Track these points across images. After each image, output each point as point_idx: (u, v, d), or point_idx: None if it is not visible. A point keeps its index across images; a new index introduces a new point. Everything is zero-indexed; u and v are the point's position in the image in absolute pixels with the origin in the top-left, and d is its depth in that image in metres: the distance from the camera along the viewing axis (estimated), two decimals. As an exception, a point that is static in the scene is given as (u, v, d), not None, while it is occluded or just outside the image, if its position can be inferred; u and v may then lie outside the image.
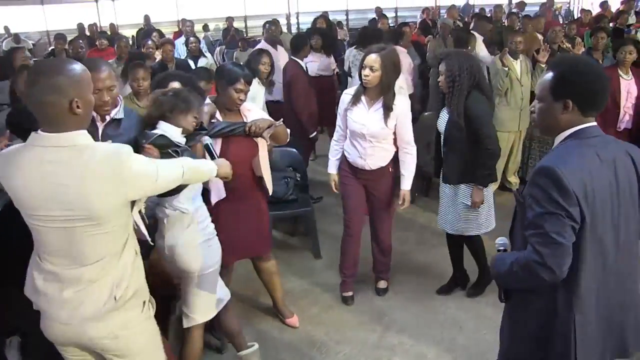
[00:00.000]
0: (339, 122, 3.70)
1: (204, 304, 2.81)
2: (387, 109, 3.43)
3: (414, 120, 5.65)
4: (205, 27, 12.98)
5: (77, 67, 1.87)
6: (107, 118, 2.68)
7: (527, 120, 5.33)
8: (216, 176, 2.44)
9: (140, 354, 2.15)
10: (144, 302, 2.15)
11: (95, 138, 2.49)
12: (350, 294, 3.95)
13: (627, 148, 1.94)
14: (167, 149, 2.48)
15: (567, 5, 16.41)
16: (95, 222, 1.86)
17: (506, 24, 7.82)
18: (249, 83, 3.13)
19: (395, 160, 3.66)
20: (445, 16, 9.36)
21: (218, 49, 10.97)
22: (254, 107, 3.34)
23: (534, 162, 5.65)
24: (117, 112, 2.72)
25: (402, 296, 3.98)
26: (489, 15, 8.88)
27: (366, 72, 3.36)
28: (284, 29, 11.87)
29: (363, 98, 3.50)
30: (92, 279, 1.94)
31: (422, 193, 5.72)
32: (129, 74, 4.00)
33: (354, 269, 3.94)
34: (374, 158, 3.57)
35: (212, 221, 2.91)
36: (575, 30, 7.57)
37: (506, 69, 5.02)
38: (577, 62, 1.94)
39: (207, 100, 3.14)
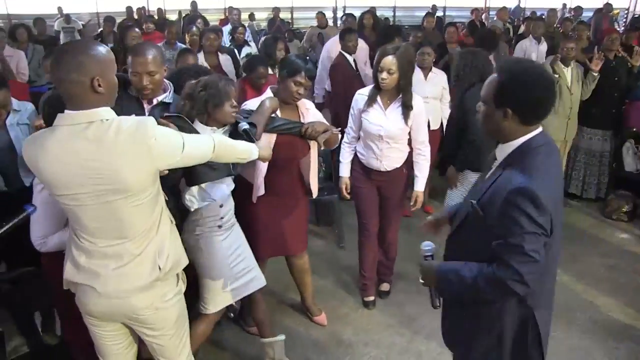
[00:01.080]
0: (350, 123, 3.61)
1: (213, 297, 2.80)
2: (407, 107, 3.37)
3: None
4: (251, 16, 12.98)
5: (101, 47, 1.92)
6: (155, 101, 2.68)
7: (574, 130, 5.18)
8: (258, 158, 2.46)
9: (170, 328, 2.22)
10: (178, 275, 2.22)
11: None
12: (371, 298, 3.90)
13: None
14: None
15: (625, 12, 15.82)
16: (128, 193, 1.91)
17: (560, 29, 7.59)
18: (310, 78, 3.07)
19: (408, 162, 3.63)
20: (495, 18, 9.16)
21: (263, 38, 10.97)
22: (312, 106, 3.28)
23: (578, 174, 5.50)
24: (167, 97, 2.73)
25: (443, 304, 3.89)
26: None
27: (384, 75, 3.28)
28: (330, 23, 11.81)
29: (378, 99, 3.42)
30: (135, 252, 2.01)
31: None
32: (178, 60, 4.01)
33: (373, 272, 3.90)
34: (390, 159, 3.52)
35: (253, 216, 2.96)
36: (635, 38, 7.26)
37: (557, 76, 4.86)
38: (523, 71, 1.85)
39: (269, 93, 3.08)
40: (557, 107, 4.98)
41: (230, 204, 2.83)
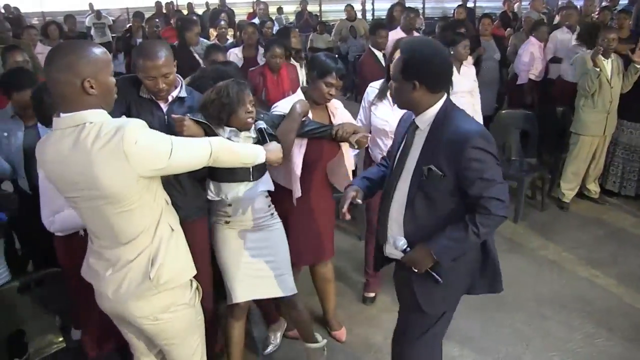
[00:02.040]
0: (360, 116, 3.55)
1: (229, 288, 2.79)
2: None
3: (490, 119, 5.41)
4: (280, 10, 12.96)
5: (96, 49, 1.88)
6: (170, 98, 2.63)
7: (613, 124, 4.95)
8: (266, 160, 2.36)
9: (176, 338, 2.19)
10: (190, 286, 2.18)
11: (158, 117, 2.57)
12: (372, 295, 3.86)
13: None
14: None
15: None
16: (110, 200, 1.87)
17: (598, 19, 7.28)
18: (341, 78, 2.97)
19: None
20: (529, 8, 8.88)
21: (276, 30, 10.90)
22: (341, 105, 3.21)
23: (616, 170, 5.27)
24: (180, 92, 2.67)
25: (468, 304, 3.69)
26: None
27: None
28: (359, 15, 11.66)
29: (388, 93, 3.34)
30: (129, 258, 1.99)
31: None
32: (206, 57, 3.96)
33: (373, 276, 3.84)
34: None
35: (289, 223, 2.94)
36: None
37: (597, 69, 4.65)
38: (420, 47, 2.10)
39: (300, 94, 3.03)
40: (596, 100, 4.78)
41: (245, 205, 2.73)
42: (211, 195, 2.70)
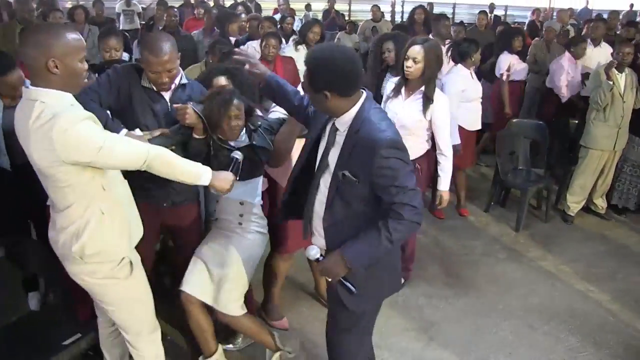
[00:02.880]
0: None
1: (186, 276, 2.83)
2: (428, 99, 3.44)
3: (486, 125, 5.39)
4: (308, 7, 12.97)
5: (70, 34, 2.01)
6: (172, 87, 2.68)
7: (624, 139, 4.87)
8: (209, 185, 2.35)
9: (108, 305, 2.35)
10: (120, 262, 2.27)
11: (161, 105, 2.66)
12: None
13: None
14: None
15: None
16: (40, 172, 2.05)
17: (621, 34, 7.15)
18: None
19: (426, 159, 3.69)
20: (555, 19, 8.78)
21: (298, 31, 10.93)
22: None
23: (622, 186, 5.18)
24: (181, 79, 2.74)
25: (456, 308, 3.78)
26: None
27: (409, 63, 3.40)
28: (387, 17, 11.62)
29: (403, 89, 3.53)
30: (62, 225, 2.16)
31: (498, 203, 5.40)
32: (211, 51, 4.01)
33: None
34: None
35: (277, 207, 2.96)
36: None
37: (611, 82, 4.58)
38: (320, 55, 2.06)
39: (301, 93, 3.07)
40: (607, 114, 4.71)
41: (221, 205, 2.84)
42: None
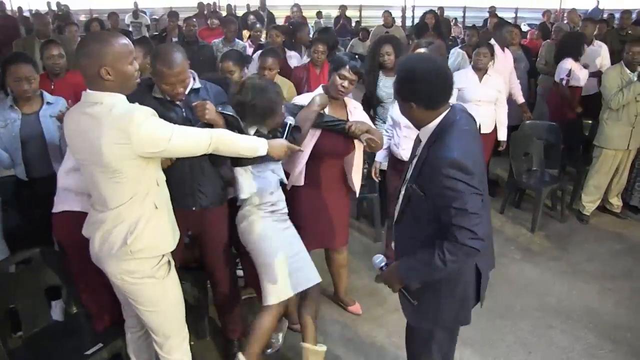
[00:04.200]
0: (390, 112, 3.91)
1: (271, 287, 2.86)
2: None
3: (515, 128, 5.40)
4: (319, 14, 13.11)
5: (117, 40, 2.14)
6: (183, 97, 2.75)
7: (639, 138, 4.87)
8: (267, 154, 2.54)
9: (144, 304, 2.41)
10: (160, 261, 2.38)
11: (176, 113, 2.73)
12: None
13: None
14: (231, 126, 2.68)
15: None
16: (106, 169, 2.14)
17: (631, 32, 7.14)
18: (356, 73, 3.12)
19: None
20: (566, 21, 8.79)
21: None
22: (360, 107, 3.41)
23: (640, 185, 5.19)
24: (194, 84, 2.81)
25: (474, 309, 3.80)
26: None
27: None
28: (398, 22, 11.69)
29: None
30: (114, 223, 2.25)
31: (513, 204, 5.43)
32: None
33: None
34: (406, 150, 3.59)
35: (296, 208, 3.09)
36: None
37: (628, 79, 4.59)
38: (416, 66, 2.07)
39: (320, 90, 3.21)
40: (621, 114, 4.73)
41: (281, 194, 2.96)
42: (246, 190, 2.83)
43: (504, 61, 5.42)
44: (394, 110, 3.79)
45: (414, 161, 2.19)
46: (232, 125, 2.70)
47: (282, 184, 3.00)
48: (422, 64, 2.07)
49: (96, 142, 2.08)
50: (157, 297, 2.42)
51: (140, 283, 2.34)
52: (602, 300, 3.89)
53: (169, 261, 2.43)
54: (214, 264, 3.07)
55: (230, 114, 2.72)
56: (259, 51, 5.83)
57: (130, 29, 10.09)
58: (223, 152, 2.41)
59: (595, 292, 3.99)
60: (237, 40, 6.65)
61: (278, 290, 2.86)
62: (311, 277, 2.97)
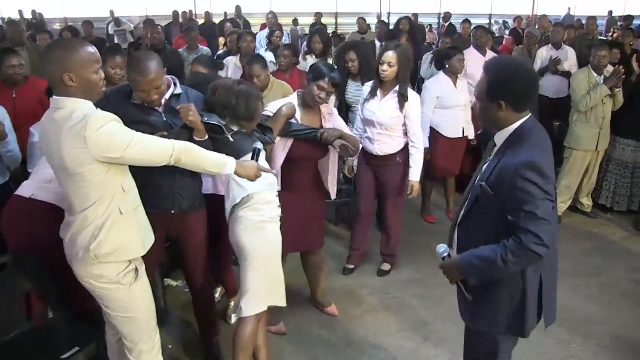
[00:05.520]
0: (359, 111, 4.07)
1: (252, 295, 2.82)
2: (403, 97, 3.77)
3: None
4: (295, 22, 13.15)
5: (85, 48, 2.18)
6: (164, 101, 2.76)
7: (607, 140, 5.04)
8: (235, 172, 2.53)
9: (112, 309, 2.45)
10: (127, 267, 2.39)
11: (158, 119, 2.74)
12: (351, 267, 4.34)
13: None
14: (215, 133, 2.72)
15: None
16: (69, 173, 2.18)
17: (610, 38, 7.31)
18: (334, 85, 3.19)
19: (405, 152, 3.96)
20: (537, 26, 8.99)
21: (305, 43, 11.09)
22: (335, 112, 3.47)
23: (609, 185, 5.34)
24: (175, 90, 2.81)
25: (448, 308, 3.82)
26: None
27: (384, 67, 3.73)
28: (373, 29, 11.79)
29: (378, 91, 3.87)
30: (78, 228, 2.29)
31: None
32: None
33: (360, 245, 4.31)
34: (381, 144, 3.93)
35: None
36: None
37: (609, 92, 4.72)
38: (508, 66, 2.13)
39: (295, 97, 3.28)
40: (589, 117, 4.87)
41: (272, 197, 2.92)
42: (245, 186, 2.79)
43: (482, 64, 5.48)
44: (364, 110, 3.95)
45: (487, 164, 2.18)
46: (215, 132, 2.72)
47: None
48: (517, 64, 2.12)
49: (58, 147, 2.13)
50: (125, 303, 2.43)
51: (107, 288, 2.37)
52: (574, 296, 3.98)
53: (136, 268, 2.43)
54: (193, 268, 3.09)
55: (215, 123, 2.72)
56: (230, 57, 5.92)
57: (115, 38, 10.03)
58: (187, 166, 2.41)
59: (566, 289, 4.06)
60: (201, 47, 6.69)
61: (258, 301, 2.83)
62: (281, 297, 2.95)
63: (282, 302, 2.94)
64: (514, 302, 2.18)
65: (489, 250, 2.05)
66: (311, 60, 5.78)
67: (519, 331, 2.25)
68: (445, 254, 2.27)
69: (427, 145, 4.78)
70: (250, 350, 2.88)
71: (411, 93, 3.82)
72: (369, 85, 3.97)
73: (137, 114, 2.69)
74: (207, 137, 2.71)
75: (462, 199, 2.33)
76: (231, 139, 2.75)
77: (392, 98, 3.81)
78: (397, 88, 3.78)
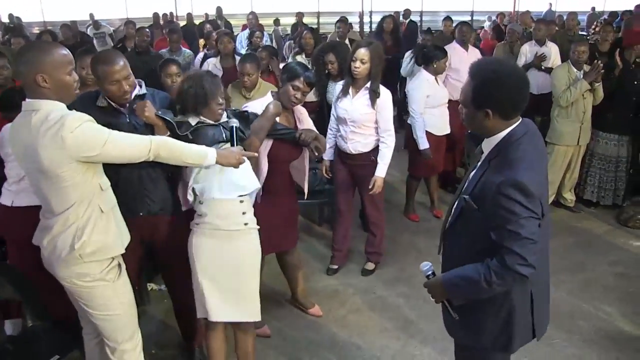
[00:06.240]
0: (333, 110, 4.06)
1: (209, 304, 2.75)
2: (374, 92, 3.77)
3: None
4: (276, 22, 13.11)
5: (57, 50, 2.19)
6: (127, 105, 2.73)
7: (588, 134, 5.06)
8: (216, 162, 2.50)
9: (92, 308, 2.43)
10: (110, 263, 2.41)
11: (122, 121, 2.68)
12: (335, 267, 4.31)
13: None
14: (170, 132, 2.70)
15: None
16: (46, 175, 2.17)
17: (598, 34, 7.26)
18: (309, 84, 3.16)
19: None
20: (518, 22, 9.02)
21: (287, 43, 11.04)
22: (305, 112, 3.45)
23: (593, 180, 5.35)
24: (140, 90, 2.80)
25: (433, 306, 3.74)
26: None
27: (357, 64, 3.73)
28: (356, 28, 11.79)
29: (350, 88, 3.87)
30: (60, 229, 2.28)
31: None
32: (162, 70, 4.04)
33: (342, 244, 4.29)
34: (354, 142, 3.93)
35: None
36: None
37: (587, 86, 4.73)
38: (494, 71, 1.92)
39: (269, 97, 3.23)
40: (570, 111, 4.89)
41: (217, 205, 2.73)
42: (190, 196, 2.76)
43: (467, 59, 5.38)
44: (336, 108, 3.96)
45: (472, 173, 2.07)
46: (171, 130, 2.70)
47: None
48: (504, 69, 1.93)
49: (35, 149, 2.11)
50: (108, 300, 2.43)
51: (91, 286, 2.37)
52: (557, 291, 3.97)
53: (119, 264, 2.45)
54: (170, 275, 3.04)
55: (167, 118, 2.71)
56: (211, 58, 5.86)
57: (95, 41, 9.92)
58: (167, 160, 2.41)
59: (550, 285, 4.05)
60: (183, 49, 6.64)
61: (207, 310, 2.74)
62: (245, 312, 2.82)
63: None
64: (499, 318, 2.08)
65: (472, 270, 1.95)
66: (301, 59, 5.71)
67: (504, 347, 2.14)
68: (429, 272, 2.17)
69: (427, 146, 4.75)
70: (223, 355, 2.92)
71: (383, 89, 3.81)
72: (340, 84, 3.99)
73: (101, 117, 2.60)
74: (168, 133, 2.68)
75: (448, 207, 2.23)
76: (190, 136, 2.68)
77: (364, 95, 3.81)
78: (368, 85, 3.79)
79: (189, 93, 2.71)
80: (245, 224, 2.76)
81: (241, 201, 2.76)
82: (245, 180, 2.77)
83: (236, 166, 2.57)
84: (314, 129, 3.33)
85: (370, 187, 3.89)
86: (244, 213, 2.76)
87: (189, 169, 2.72)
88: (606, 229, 5.07)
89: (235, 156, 2.55)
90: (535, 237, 1.85)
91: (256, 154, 2.92)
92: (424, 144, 4.74)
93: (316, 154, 3.21)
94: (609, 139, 5.18)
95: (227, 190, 2.71)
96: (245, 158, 2.63)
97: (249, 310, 2.80)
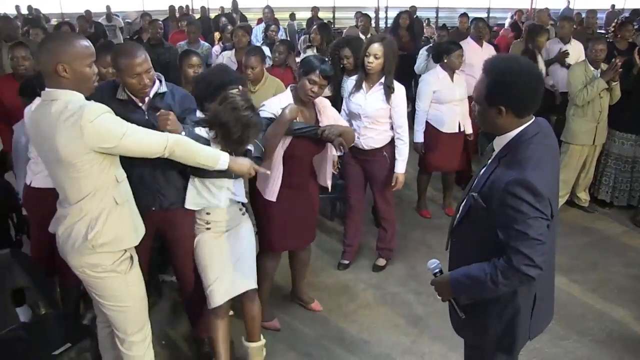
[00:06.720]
0: (344, 106, 4.06)
1: (213, 290, 2.88)
2: (389, 88, 3.77)
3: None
4: (292, 16, 13.09)
5: (79, 41, 2.23)
6: (146, 100, 2.74)
7: (604, 134, 5.00)
8: (228, 167, 2.55)
9: (105, 298, 2.47)
10: (122, 255, 2.43)
11: (140, 117, 2.69)
12: (346, 262, 4.32)
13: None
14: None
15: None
16: (63, 164, 2.20)
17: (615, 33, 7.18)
18: (325, 78, 3.10)
19: (392, 146, 3.95)
20: (535, 20, 8.93)
21: (302, 37, 11.02)
22: (328, 104, 3.38)
23: (608, 180, 5.28)
24: (159, 88, 2.80)
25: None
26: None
27: (370, 59, 3.73)
28: (372, 23, 11.71)
29: (364, 83, 3.86)
30: (74, 219, 2.31)
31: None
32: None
33: (353, 240, 4.29)
34: (367, 138, 3.92)
35: (272, 210, 3.17)
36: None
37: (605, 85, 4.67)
38: (509, 68, 1.90)
39: (288, 92, 3.21)
40: (586, 110, 4.84)
41: (222, 214, 2.89)
42: (190, 204, 2.85)
43: (481, 54, 5.40)
44: (349, 104, 3.95)
45: (482, 171, 2.05)
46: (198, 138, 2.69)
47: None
48: (519, 66, 1.90)
49: (53, 138, 2.14)
50: (119, 291, 2.45)
51: (102, 277, 2.39)
52: (569, 292, 3.96)
53: (131, 256, 2.47)
54: (182, 264, 3.06)
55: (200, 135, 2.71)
56: (225, 51, 5.88)
57: (107, 32, 9.99)
58: (180, 159, 2.43)
59: (563, 285, 4.05)
60: (202, 42, 6.64)
61: (217, 293, 2.86)
62: (248, 282, 2.96)
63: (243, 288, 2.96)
64: (503, 319, 2.07)
65: (479, 269, 1.94)
66: (311, 54, 5.71)
67: (508, 349, 2.13)
68: (437, 270, 2.15)
69: (422, 140, 4.80)
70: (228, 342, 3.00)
71: (397, 85, 3.80)
72: (353, 79, 3.96)
73: (119, 110, 2.62)
74: (183, 132, 2.67)
75: (457, 204, 2.21)
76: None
77: (378, 90, 3.80)
78: (382, 80, 3.77)
79: (233, 134, 2.64)
80: (243, 214, 2.99)
81: (240, 208, 2.98)
82: (241, 192, 2.97)
83: (246, 177, 2.67)
84: (340, 119, 3.33)
85: (392, 184, 3.95)
86: (240, 209, 2.98)
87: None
88: (620, 230, 5.01)
89: (247, 165, 2.61)
90: (544, 238, 1.82)
91: (268, 172, 2.93)
92: (418, 137, 4.80)
93: (341, 149, 3.19)
94: (626, 138, 5.11)
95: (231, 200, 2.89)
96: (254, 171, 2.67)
97: (249, 280, 2.95)
